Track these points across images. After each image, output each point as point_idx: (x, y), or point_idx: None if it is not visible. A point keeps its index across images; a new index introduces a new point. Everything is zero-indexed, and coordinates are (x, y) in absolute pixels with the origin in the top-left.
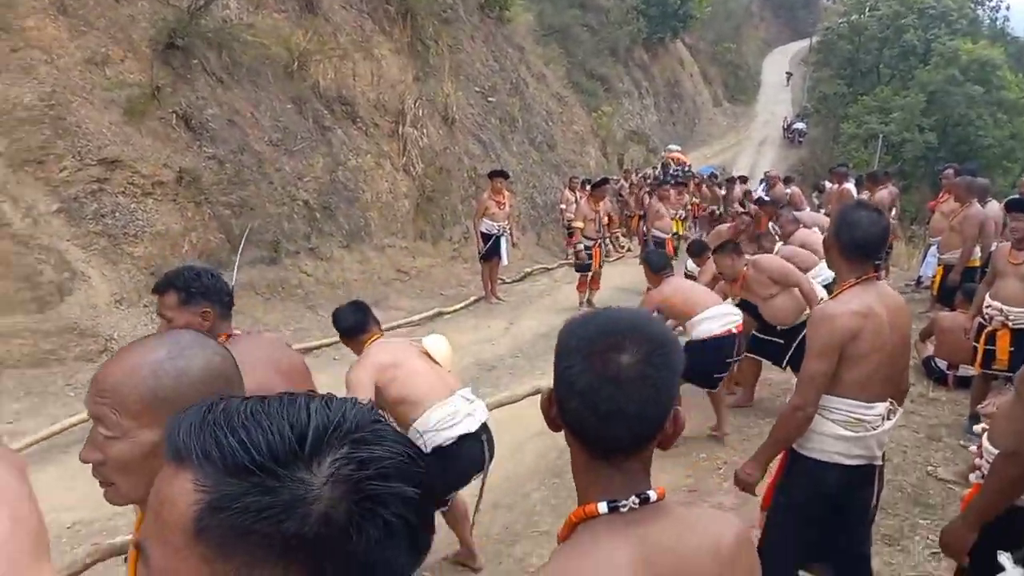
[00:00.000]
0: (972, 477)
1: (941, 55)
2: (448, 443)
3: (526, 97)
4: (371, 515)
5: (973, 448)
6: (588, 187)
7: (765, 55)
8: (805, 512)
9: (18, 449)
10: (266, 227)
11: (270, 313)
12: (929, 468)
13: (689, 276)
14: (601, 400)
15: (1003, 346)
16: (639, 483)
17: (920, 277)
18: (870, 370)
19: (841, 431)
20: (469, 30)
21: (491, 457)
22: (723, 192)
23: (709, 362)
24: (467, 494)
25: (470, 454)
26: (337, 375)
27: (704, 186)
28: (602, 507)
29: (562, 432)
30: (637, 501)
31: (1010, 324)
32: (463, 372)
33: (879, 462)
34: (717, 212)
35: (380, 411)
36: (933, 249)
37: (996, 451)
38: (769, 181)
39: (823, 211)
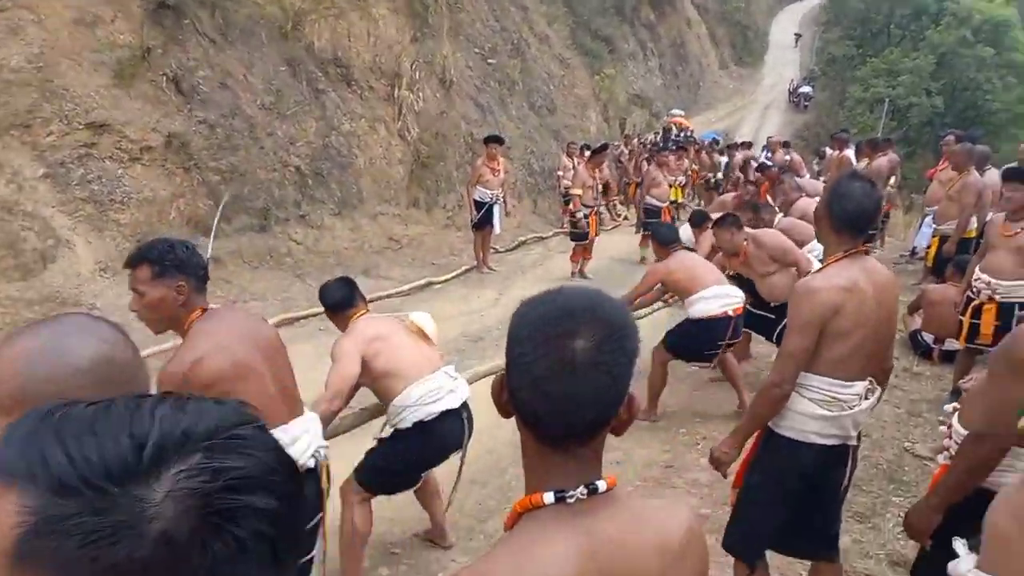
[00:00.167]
0: (940, 458)
1: (954, 15)
2: (429, 418)
3: (527, 59)
4: (218, 531)
5: (943, 428)
6: (587, 153)
7: (775, 14)
8: (777, 490)
9: None
10: (256, 194)
11: (257, 282)
12: (907, 444)
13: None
14: (553, 387)
15: (988, 320)
16: (589, 472)
17: (915, 248)
18: (852, 347)
19: (817, 410)
20: None
21: (470, 434)
22: (724, 159)
23: (701, 341)
24: (441, 472)
25: (450, 430)
26: (322, 346)
27: (704, 152)
28: (548, 497)
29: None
30: (585, 491)
31: (997, 298)
32: (450, 343)
33: (854, 442)
34: (712, 180)
35: (253, 409)
36: (928, 219)
37: (965, 432)
38: (770, 147)
39: (822, 178)
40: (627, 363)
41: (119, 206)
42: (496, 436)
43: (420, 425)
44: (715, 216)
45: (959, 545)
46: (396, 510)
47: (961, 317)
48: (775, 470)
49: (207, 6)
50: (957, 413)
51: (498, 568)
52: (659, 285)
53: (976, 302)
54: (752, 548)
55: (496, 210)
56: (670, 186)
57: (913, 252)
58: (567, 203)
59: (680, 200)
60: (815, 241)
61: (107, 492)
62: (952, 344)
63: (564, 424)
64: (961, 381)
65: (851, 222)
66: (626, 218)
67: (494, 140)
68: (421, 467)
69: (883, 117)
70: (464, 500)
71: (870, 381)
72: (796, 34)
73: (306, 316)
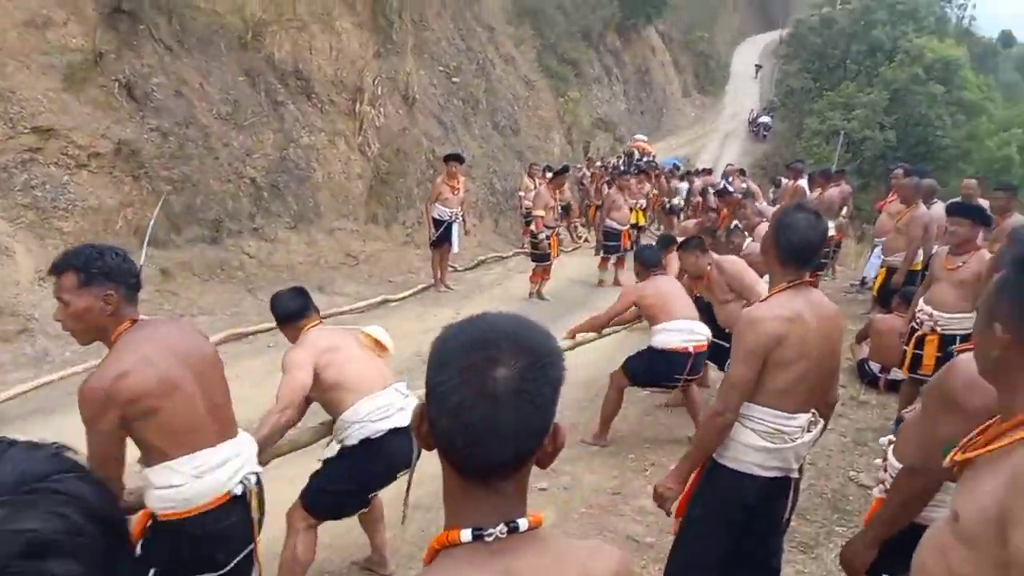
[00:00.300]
0: (876, 491)
1: (907, 52)
2: (376, 436)
3: (492, 79)
4: None
5: (878, 461)
6: (548, 175)
7: (736, 45)
8: (719, 521)
9: None
10: (208, 205)
11: (207, 295)
12: (852, 473)
13: None
14: (473, 418)
15: (930, 351)
16: (511, 509)
17: (864, 277)
18: (794, 378)
19: (760, 441)
20: (436, 6)
21: (419, 454)
22: (684, 184)
23: (659, 371)
24: (387, 495)
25: (398, 449)
26: (271, 363)
27: (663, 178)
28: (465, 535)
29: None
30: (505, 530)
31: (939, 329)
32: (404, 362)
33: (796, 475)
34: (668, 204)
35: (72, 453)
36: (878, 250)
37: (900, 465)
38: (728, 175)
39: (776, 207)
40: (551, 392)
41: (63, 213)
42: None
43: (366, 443)
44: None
45: None
46: (335, 536)
47: (905, 347)
48: (717, 501)
49: (164, 13)
50: (892, 446)
51: None
52: (632, 308)
53: (919, 333)
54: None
55: (455, 229)
56: (631, 209)
57: (863, 282)
58: (528, 223)
59: (642, 223)
60: None
61: None
62: (897, 373)
63: (485, 457)
64: (904, 411)
65: (796, 253)
66: (587, 240)
67: (454, 158)
68: (368, 487)
69: (838, 149)
70: (407, 526)
71: (813, 413)
72: (757, 65)
73: (255, 332)
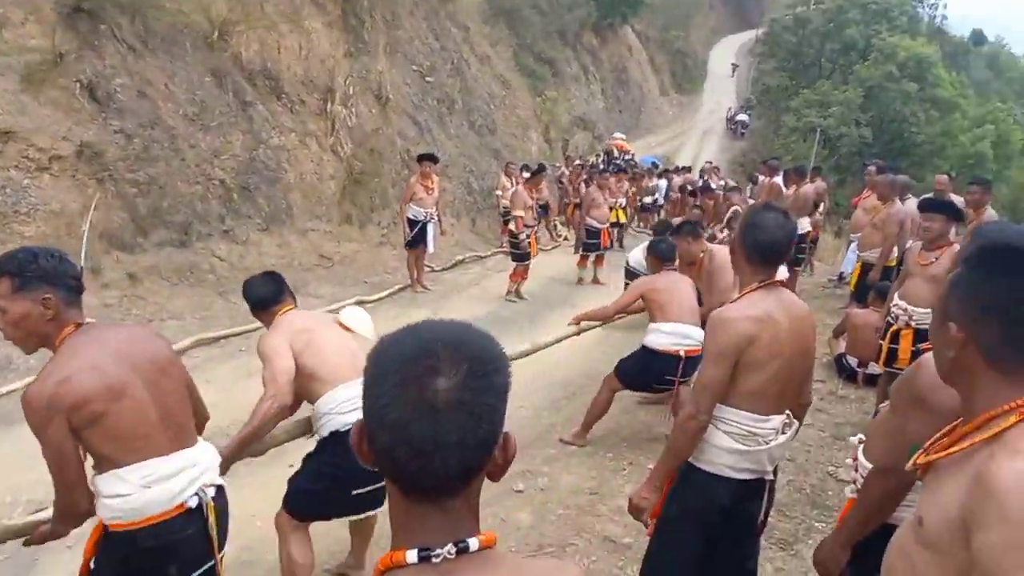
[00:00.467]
0: (847, 491)
1: (880, 51)
2: (345, 428)
3: (468, 78)
4: None
5: (849, 460)
6: (526, 174)
7: (713, 44)
8: (694, 523)
9: None
10: (176, 207)
11: (176, 300)
12: (831, 468)
13: (632, 271)
14: (414, 433)
15: (905, 346)
16: (460, 528)
17: (842, 272)
18: (767, 379)
19: (733, 444)
20: (409, 6)
21: None
22: (663, 182)
23: (650, 372)
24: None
25: None
26: (242, 367)
27: (644, 178)
28: (411, 555)
29: None
30: (454, 550)
31: (913, 324)
32: None
33: (770, 476)
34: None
35: None
36: (854, 245)
37: (871, 465)
38: (705, 174)
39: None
40: (496, 401)
41: (24, 218)
42: None
43: (336, 436)
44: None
45: None
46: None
47: (881, 342)
48: (692, 504)
49: (127, 12)
50: (862, 446)
51: None
52: (640, 300)
53: (894, 327)
54: None
55: (430, 229)
56: (611, 208)
57: (841, 277)
58: (506, 222)
59: (623, 221)
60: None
61: None
62: (875, 368)
63: (428, 473)
64: (882, 405)
65: (763, 252)
66: (566, 238)
67: (428, 158)
68: (345, 484)
69: (815, 146)
70: (383, 532)
71: (787, 415)
72: (733, 64)
73: (226, 336)
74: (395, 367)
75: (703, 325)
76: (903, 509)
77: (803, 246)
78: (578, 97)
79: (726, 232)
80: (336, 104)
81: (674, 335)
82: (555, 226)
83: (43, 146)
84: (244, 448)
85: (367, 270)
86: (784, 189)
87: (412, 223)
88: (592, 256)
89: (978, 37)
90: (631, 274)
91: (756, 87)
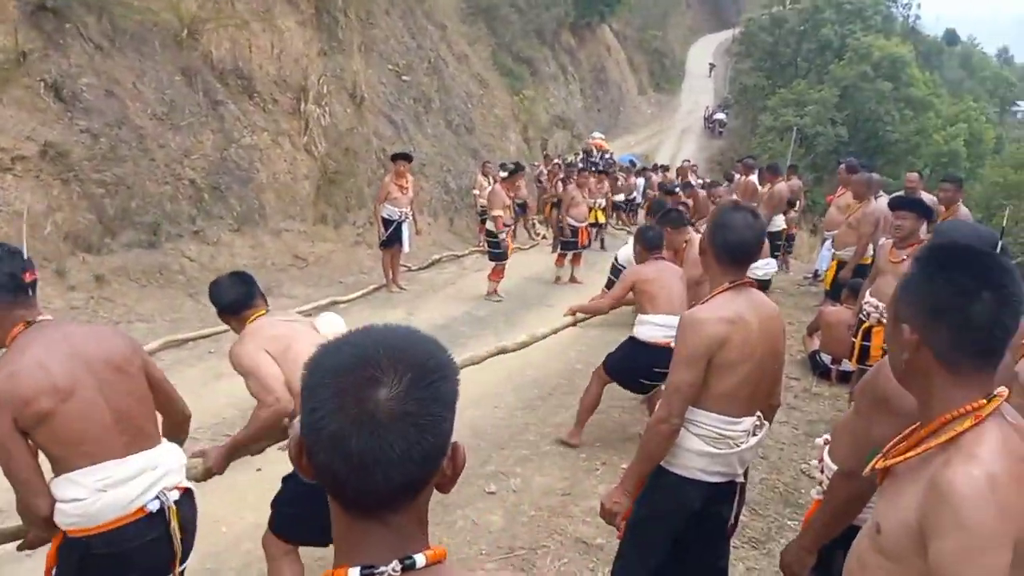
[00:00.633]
0: (813, 492)
1: (855, 51)
2: None
3: (445, 77)
4: None
5: (815, 462)
6: (502, 174)
7: (691, 44)
8: (665, 525)
9: None
10: (145, 208)
11: (145, 301)
12: (804, 466)
13: (619, 269)
14: (353, 447)
15: (877, 343)
16: (407, 543)
17: (817, 270)
18: (738, 381)
19: (704, 447)
20: (384, 4)
21: None
22: (640, 180)
23: (638, 364)
24: None
25: None
26: (211, 369)
27: (620, 177)
28: (353, 574)
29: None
30: (399, 567)
31: (884, 321)
32: None
33: (740, 479)
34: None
35: None
36: (828, 243)
37: (835, 467)
38: (681, 173)
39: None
40: (444, 411)
41: None
42: None
43: None
44: None
45: None
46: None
47: (853, 339)
48: (663, 506)
49: (93, 11)
50: (828, 447)
51: None
52: (630, 293)
53: (867, 325)
54: None
55: (405, 228)
56: (590, 208)
57: (816, 274)
58: (483, 221)
59: (602, 222)
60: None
61: None
62: (848, 365)
63: (370, 488)
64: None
65: (732, 252)
66: (544, 237)
67: (402, 157)
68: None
69: (792, 144)
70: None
71: (758, 417)
72: (711, 64)
73: (195, 337)
74: (332, 377)
75: None
76: (869, 511)
77: (778, 243)
78: (556, 96)
79: None
80: (310, 103)
81: (664, 327)
82: (534, 224)
83: (5, 146)
84: (234, 453)
85: (342, 270)
86: (759, 187)
87: (387, 223)
88: (570, 255)
89: (951, 37)
90: (617, 271)
91: (733, 86)
